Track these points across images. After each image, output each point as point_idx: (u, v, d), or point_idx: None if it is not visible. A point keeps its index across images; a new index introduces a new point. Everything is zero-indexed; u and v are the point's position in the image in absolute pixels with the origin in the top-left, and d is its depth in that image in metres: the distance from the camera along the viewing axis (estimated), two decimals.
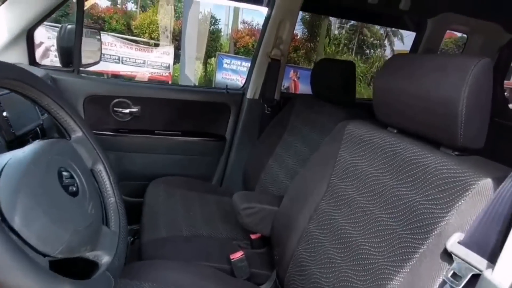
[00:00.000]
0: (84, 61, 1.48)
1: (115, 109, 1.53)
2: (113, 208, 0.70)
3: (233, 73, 7.52)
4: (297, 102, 1.51)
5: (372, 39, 11.96)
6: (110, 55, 7.21)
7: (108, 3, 9.75)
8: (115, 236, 0.66)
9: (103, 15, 9.25)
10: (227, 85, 1.71)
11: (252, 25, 9.95)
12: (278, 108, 1.65)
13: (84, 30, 1.45)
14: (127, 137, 1.56)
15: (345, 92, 1.32)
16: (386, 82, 0.83)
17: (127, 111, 1.54)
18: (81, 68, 1.48)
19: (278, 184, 1.38)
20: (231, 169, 1.73)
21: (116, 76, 7.51)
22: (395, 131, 0.83)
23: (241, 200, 1.12)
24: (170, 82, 7.70)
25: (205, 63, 9.11)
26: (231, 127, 1.71)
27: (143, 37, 8.87)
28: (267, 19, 1.58)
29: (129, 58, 7.39)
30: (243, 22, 10.03)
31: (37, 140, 0.72)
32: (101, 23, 9.18)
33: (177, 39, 8.78)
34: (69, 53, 1.44)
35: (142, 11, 10.03)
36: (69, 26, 1.43)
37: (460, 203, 0.58)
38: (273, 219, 1.09)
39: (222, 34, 10.17)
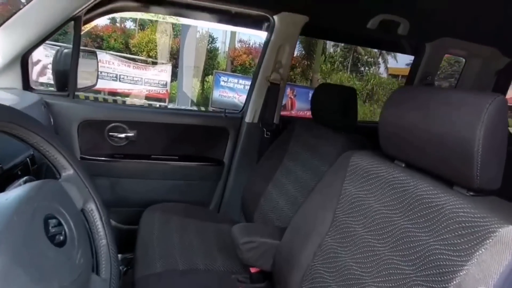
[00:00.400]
0: (80, 84, 1.45)
1: (110, 133, 1.49)
2: (105, 251, 0.65)
3: (230, 90, 7.65)
4: (297, 127, 1.49)
5: (366, 57, 12.17)
6: (107, 72, 7.29)
7: (107, 22, 9.86)
8: (106, 284, 0.61)
9: (101, 33, 9.32)
10: (225, 109, 1.67)
11: (249, 44, 10.10)
12: (278, 132, 1.61)
13: (81, 52, 1.42)
14: (123, 162, 1.52)
15: (346, 118, 1.29)
16: (393, 114, 0.80)
17: (123, 135, 1.51)
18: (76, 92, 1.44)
19: (278, 211, 1.33)
20: (229, 195, 1.68)
21: (113, 93, 7.51)
22: (403, 165, 0.80)
23: (241, 233, 1.07)
24: (167, 100, 7.72)
25: (203, 81, 9.16)
26: (230, 152, 1.67)
27: (141, 55, 8.92)
28: (266, 43, 1.57)
29: (127, 76, 7.47)
30: (240, 41, 10.17)
31: (25, 178, 0.68)
32: (99, 42, 9.25)
33: (175, 57, 8.86)
34: (65, 77, 1.40)
35: (141, 30, 10.13)
36: (65, 50, 1.40)
37: (480, 251, 0.54)
38: (274, 254, 1.04)
39: (219, 52, 10.29)
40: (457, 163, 0.63)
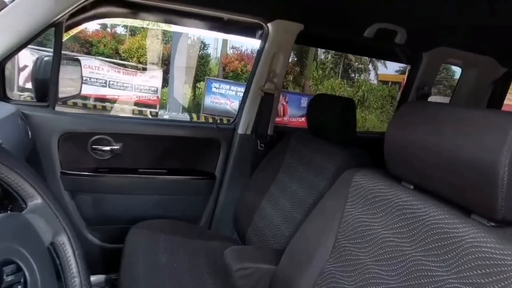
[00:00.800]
0: (63, 92, 1.35)
1: (93, 146, 1.40)
2: None
3: (222, 97, 7.63)
4: (292, 139, 1.42)
5: (357, 63, 12.28)
6: (96, 78, 7.20)
7: (97, 27, 9.73)
8: None
9: (90, 39, 9.17)
10: (217, 120, 1.62)
11: (241, 50, 10.08)
12: (272, 144, 1.54)
13: (64, 60, 1.35)
14: (107, 177, 1.43)
15: (345, 131, 1.23)
16: (401, 132, 0.73)
17: (107, 148, 1.42)
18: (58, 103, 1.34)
19: (274, 229, 1.25)
20: (221, 210, 1.60)
21: (102, 99, 7.36)
22: (412, 187, 0.73)
23: (234, 259, 0.98)
24: (158, 106, 7.64)
25: (194, 87, 9.09)
26: (221, 165, 1.59)
27: (131, 61, 8.81)
28: (259, 52, 1.51)
29: (116, 82, 7.39)
30: (233, 47, 10.15)
31: None
32: (88, 47, 9.10)
33: (166, 63, 8.77)
34: (45, 87, 1.30)
35: (131, 35, 10.03)
36: (46, 58, 1.31)
37: None
38: (271, 280, 0.96)
39: (211, 58, 10.24)
40: (477, 190, 0.57)
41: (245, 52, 9.88)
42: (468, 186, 0.59)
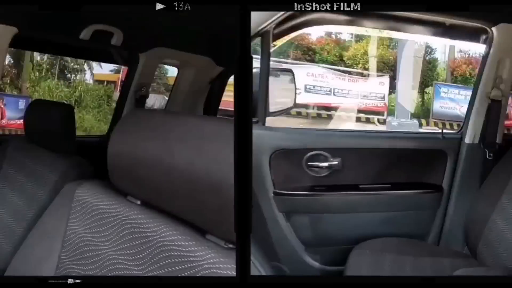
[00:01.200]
0: (276, 106, 1.30)
1: (309, 163, 1.37)
2: None
3: (451, 101, 7.50)
4: (10, 147, 1.36)
5: (73, 64, 12.78)
6: (321, 86, 7.27)
7: (322, 34, 9.45)
8: None
9: (313, 46, 9.04)
10: (442, 130, 1.27)
11: (469, 54, 9.84)
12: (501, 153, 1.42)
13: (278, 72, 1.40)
14: (325, 195, 1.40)
15: (64, 139, 1.26)
16: (124, 143, 0.70)
17: (325, 164, 1.38)
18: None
19: None
20: (450, 224, 1.46)
21: (327, 107, 7.33)
22: (138, 202, 0.68)
23: None
24: (385, 113, 7.40)
25: (422, 93, 8.68)
26: (449, 176, 1.46)
27: (356, 68, 8.65)
28: (484, 57, 1.44)
29: (341, 89, 7.38)
30: (460, 51, 9.88)
31: None
32: (311, 55, 9.00)
33: (392, 69, 8.56)
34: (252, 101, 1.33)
35: (357, 42, 10.01)
36: (253, 70, 1.25)
37: None
38: None
39: (438, 62, 10.00)
40: (210, 208, 0.54)
41: (473, 56, 9.78)
42: (200, 204, 0.56)
